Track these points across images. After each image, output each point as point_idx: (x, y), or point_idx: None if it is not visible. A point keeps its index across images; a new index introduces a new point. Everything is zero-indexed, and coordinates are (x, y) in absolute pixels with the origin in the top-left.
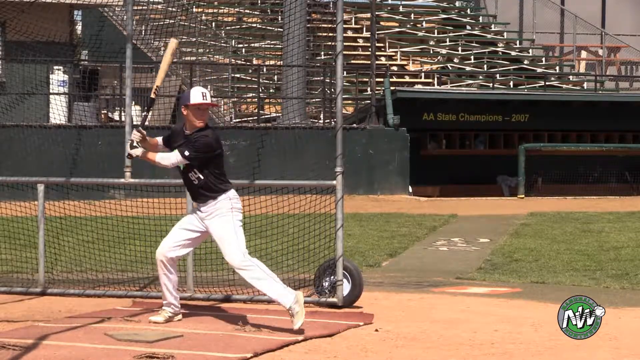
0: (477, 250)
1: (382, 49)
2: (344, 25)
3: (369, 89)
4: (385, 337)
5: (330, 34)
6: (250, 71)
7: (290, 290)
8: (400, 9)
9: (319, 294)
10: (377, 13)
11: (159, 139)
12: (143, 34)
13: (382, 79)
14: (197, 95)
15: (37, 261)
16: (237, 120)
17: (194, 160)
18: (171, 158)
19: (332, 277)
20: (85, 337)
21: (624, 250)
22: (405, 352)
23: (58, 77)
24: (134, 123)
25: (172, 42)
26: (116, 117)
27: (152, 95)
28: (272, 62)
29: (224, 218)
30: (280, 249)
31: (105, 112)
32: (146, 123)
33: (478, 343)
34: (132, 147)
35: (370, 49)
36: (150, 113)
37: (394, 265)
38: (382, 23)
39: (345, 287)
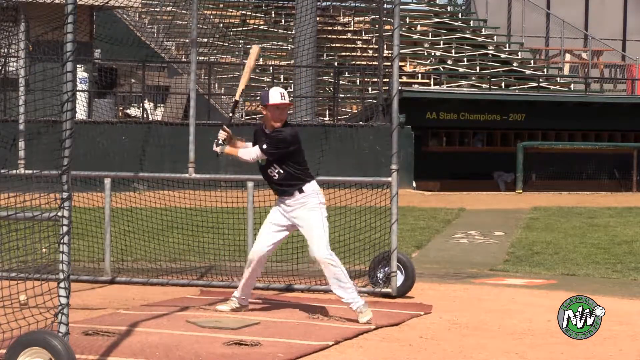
0: (497, 243)
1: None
2: (345, 28)
3: (370, 89)
4: (450, 327)
5: (333, 36)
6: (257, 70)
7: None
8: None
9: (373, 284)
10: (374, 17)
11: (249, 144)
12: (155, 34)
13: (387, 79)
14: (276, 95)
15: (104, 250)
16: (247, 117)
17: (271, 155)
18: (251, 153)
19: (386, 268)
20: (169, 324)
21: (635, 244)
22: (473, 340)
23: (78, 75)
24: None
25: (255, 48)
26: (132, 113)
27: (237, 98)
28: (276, 62)
29: (313, 212)
30: (336, 242)
31: (122, 108)
32: (231, 121)
33: (538, 333)
34: (217, 144)
35: (378, 51)
36: (235, 114)
37: (423, 257)
38: (376, 26)
39: (399, 279)
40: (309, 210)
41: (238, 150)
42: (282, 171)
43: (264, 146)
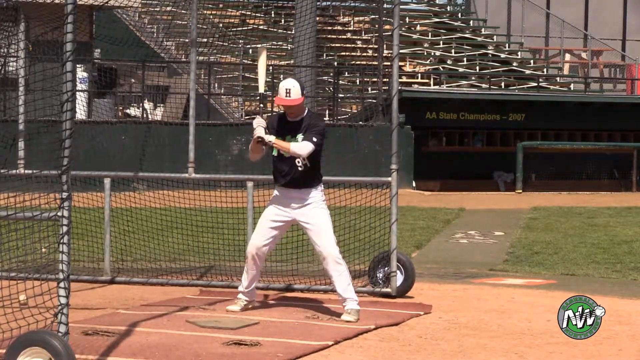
0: (496, 243)
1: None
2: (345, 28)
3: (370, 89)
4: (449, 326)
5: (333, 36)
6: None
7: (356, 298)
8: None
9: (373, 284)
10: (374, 17)
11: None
12: (155, 34)
13: (387, 79)
14: (281, 92)
15: (103, 250)
16: (247, 117)
17: (320, 146)
18: (306, 147)
19: (386, 268)
20: (169, 324)
21: (635, 244)
22: (473, 340)
23: (78, 75)
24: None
25: (263, 52)
26: (132, 113)
27: (261, 90)
28: (276, 62)
29: (322, 210)
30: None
31: (122, 108)
32: None
33: (538, 332)
34: (265, 132)
35: (378, 51)
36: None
37: (423, 257)
38: (376, 26)
39: (399, 279)
40: (320, 208)
41: (290, 144)
42: (309, 164)
43: (314, 139)
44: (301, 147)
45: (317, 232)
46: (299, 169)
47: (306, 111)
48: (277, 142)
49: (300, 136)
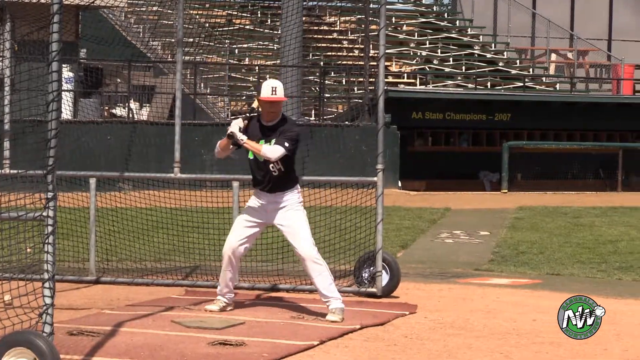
0: (482, 243)
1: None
2: (331, 28)
3: (356, 88)
4: (434, 326)
5: (319, 36)
6: (243, 70)
7: (340, 296)
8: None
9: (358, 284)
10: (360, 17)
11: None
12: (141, 34)
13: (373, 79)
14: (267, 90)
15: (89, 250)
16: (232, 117)
17: (292, 152)
18: (277, 151)
19: (372, 268)
20: (154, 324)
21: (620, 243)
22: (458, 340)
23: (64, 75)
24: (239, 117)
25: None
26: (118, 113)
27: (254, 106)
28: (262, 62)
29: (297, 212)
30: (321, 242)
31: (107, 107)
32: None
33: (523, 332)
34: (239, 131)
35: (364, 51)
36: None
37: (408, 256)
38: (362, 26)
39: (384, 278)
40: (295, 210)
41: (262, 146)
42: (282, 168)
43: (286, 144)
44: (272, 150)
45: (293, 234)
46: (274, 174)
47: (281, 116)
48: (249, 142)
49: (273, 141)
